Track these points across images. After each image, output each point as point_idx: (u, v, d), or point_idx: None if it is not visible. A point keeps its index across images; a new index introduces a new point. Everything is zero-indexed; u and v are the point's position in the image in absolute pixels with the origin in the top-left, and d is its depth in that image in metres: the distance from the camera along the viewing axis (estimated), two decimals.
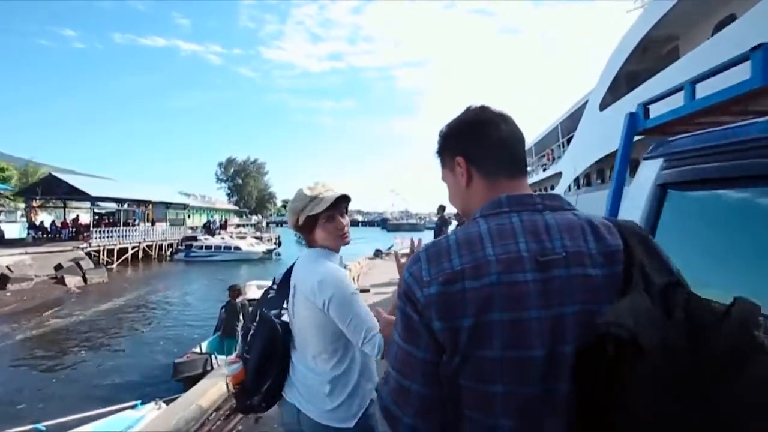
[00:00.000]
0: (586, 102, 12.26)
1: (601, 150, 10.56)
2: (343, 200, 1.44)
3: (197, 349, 6.50)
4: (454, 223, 10.30)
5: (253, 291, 8.72)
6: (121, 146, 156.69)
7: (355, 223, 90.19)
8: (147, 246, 26.49)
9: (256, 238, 32.15)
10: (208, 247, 27.85)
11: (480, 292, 0.61)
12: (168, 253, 28.42)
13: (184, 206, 34.27)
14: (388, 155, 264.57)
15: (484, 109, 0.77)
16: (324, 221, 1.41)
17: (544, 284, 0.62)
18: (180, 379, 6.09)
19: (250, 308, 8.23)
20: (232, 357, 1.50)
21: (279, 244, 33.29)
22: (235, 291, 6.48)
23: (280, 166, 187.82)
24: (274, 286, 1.53)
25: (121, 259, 23.86)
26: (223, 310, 6.62)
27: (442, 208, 10.12)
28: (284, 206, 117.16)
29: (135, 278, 21.01)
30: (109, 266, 22.39)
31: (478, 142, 0.75)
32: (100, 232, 23.28)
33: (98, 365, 8.43)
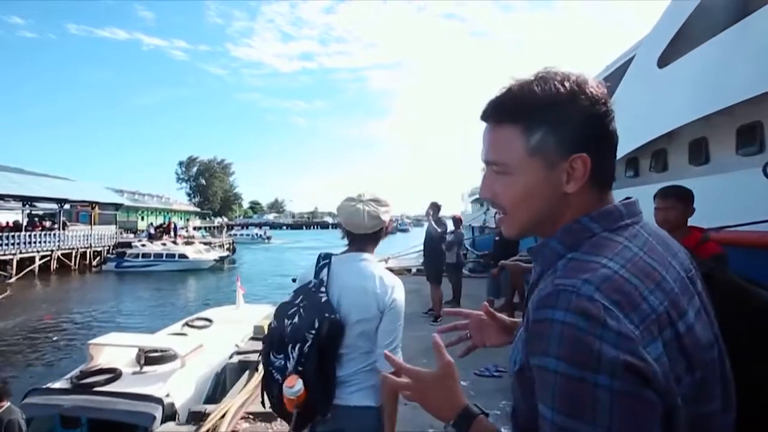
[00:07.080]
0: (626, 64, 9.04)
1: (663, 125, 7.34)
2: None
3: None
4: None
5: (108, 356, 4.78)
6: (78, 144, 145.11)
7: (325, 226, 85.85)
8: (63, 254, 21.66)
9: (205, 243, 27.62)
10: (146, 255, 23.30)
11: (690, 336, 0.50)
12: (94, 262, 23.66)
13: (116, 206, 29.08)
14: (360, 157, 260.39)
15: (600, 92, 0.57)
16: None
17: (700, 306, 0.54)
18: None
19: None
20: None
21: (233, 250, 28.97)
22: None
23: (248, 166, 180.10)
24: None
25: (24, 272, 19.09)
26: None
27: (437, 207, 6.75)
28: (251, 208, 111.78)
29: (36, 297, 16.44)
30: (6, 281, 17.81)
31: (609, 142, 0.59)
32: None
33: None
